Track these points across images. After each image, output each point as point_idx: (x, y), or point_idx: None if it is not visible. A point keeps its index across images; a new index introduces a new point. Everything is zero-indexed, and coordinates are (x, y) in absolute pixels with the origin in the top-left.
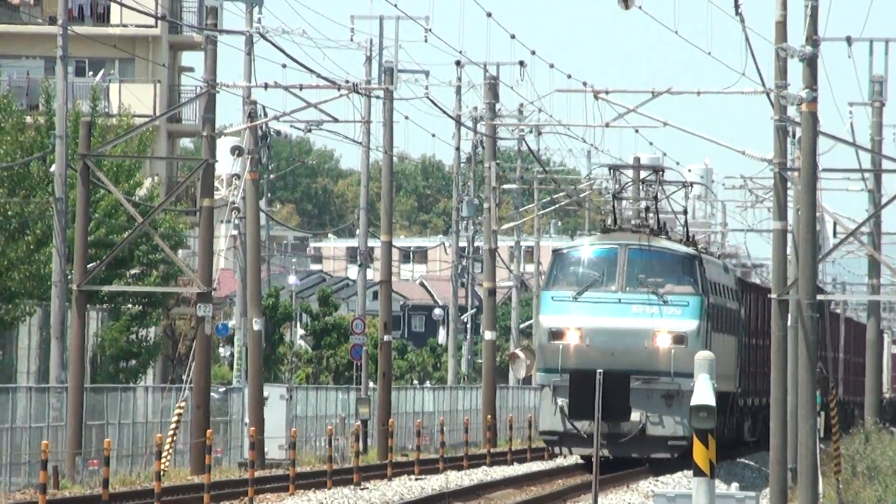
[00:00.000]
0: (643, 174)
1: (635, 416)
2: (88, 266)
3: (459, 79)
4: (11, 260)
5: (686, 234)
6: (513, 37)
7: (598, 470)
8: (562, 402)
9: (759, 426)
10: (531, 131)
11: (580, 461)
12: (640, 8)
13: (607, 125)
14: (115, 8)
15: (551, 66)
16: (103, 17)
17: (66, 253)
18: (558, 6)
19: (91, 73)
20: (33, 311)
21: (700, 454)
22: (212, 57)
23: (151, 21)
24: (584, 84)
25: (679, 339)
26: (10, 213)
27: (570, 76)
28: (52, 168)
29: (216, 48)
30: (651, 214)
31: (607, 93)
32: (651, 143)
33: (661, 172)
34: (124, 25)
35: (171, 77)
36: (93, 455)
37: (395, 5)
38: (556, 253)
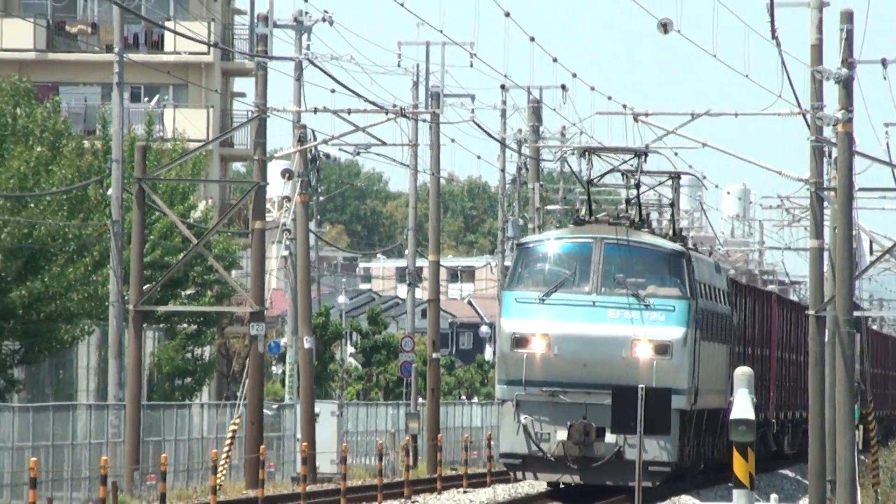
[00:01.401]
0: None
1: (611, 438)
2: (145, 287)
3: (504, 102)
4: (70, 281)
5: (673, 228)
6: (555, 60)
7: (639, 496)
8: (525, 419)
9: (756, 446)
10: (573, 153)
11: (547, 488)
12: (678, 32)
13: (647, 147)
14: (168, 36)
15: (592, 88)
16: (158, 45)
17: (122, 274)
18: (599, 30)
19: (146, 98)
20: (91, 331)
21: (740, 467)
22: (262, 82)
23: (204, 48)
24: (625, 106)
25: (662, 348)
26: (68, 235)
27: (610, 98)
28: (109, 191)
29: (267, 74)
30: (633, 205)
31: (647, 115)
32: (690, 166)
33: (643, 157)
34: (178, 53)
35: (223, 102)
36: (150, 470)
37: (441, 31)
38: (521, 247)
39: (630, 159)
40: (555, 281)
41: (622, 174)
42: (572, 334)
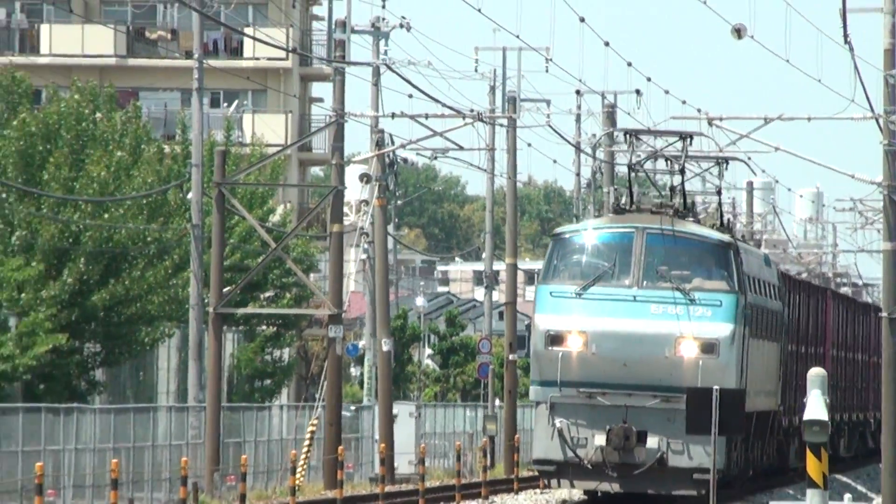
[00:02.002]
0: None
1: (653, 442)
2: (224, 290)
3: (579, 107)
4: (151, 284)
5: (721, 218)
6: (629, 64)
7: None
8: (561, 423)
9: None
10: (648, 158)
11: (583, 497)
12: (751, 37)
13: (721, 151)
14: (248, 42)
15: (666, 92)
16: (237, 51)
17: (202, 277)
18: (674, 35)
19: (225, 104)
20: (172, 334)
21: (813, 466)
22: (340, 88)
23: (283, 54)
24: (699, 111)
25: (708, 347)
26: (149, 239)
27: (684, 102)
28: (189, 196)
29: (344, 79)
30: (677, 193)
31: (721, 119)
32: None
33: (688, 139)
34: (256, 58)
35: (301, 107)
36: (230, 471)
37: (518, 36)
38: (557, 238)
39: (674, 142)
40: (593, 274)
41: (666, 159)
42: (611, 331)
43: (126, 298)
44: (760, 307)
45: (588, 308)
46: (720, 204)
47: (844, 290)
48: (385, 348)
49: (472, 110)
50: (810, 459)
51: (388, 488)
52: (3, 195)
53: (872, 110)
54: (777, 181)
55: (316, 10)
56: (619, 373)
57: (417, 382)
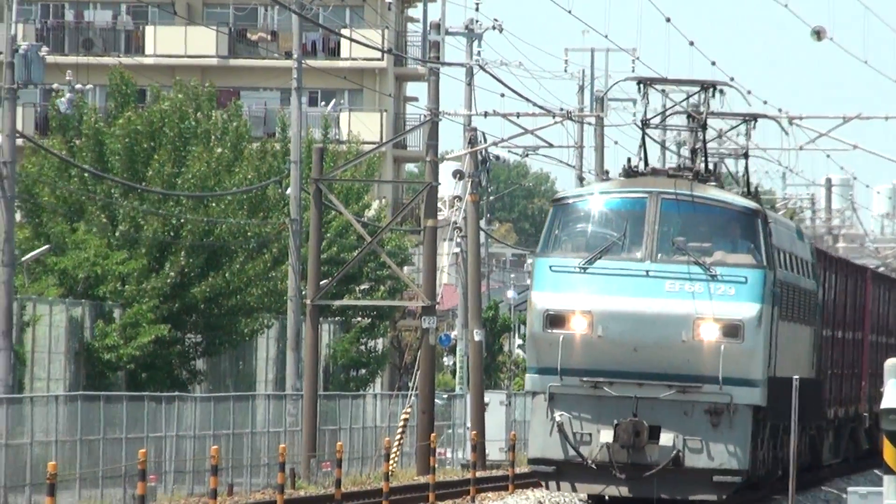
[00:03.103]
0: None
1: (667, 439)
2: (321, 282)
3: (664, 106)
4: (250, 277)
5: (747, 185)
6: (713, 63)
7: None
8: (561, 416)
9: (844, 445)
10: (730, 154)
11: (587, 502)
12: (831, 39)
13: (801, 148)
14: (345, 42)
15: (748, 92)
16: (334, 52)
17: (300, 270)
18: (756, 35)
19: (323, 103)
20: (271, 325)
21: (890, 454)
22: (434, 87)
23: (378, 55)
24: (780, 110)
25: (732, 329)
26: (249, 233)
27: (766, 102)
28: (288, 191)
29: (439, 79)
30: (699, 154)
31: (801, 118)
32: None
33: (710, 91)
34: (353, 59)
35: (396, 106)
36: (326, 457)
37: (606, 37)
38: (558, 203)
39: (695, 93)
40: (599, 245)
41: (687, 116)
42: (620, 311)
43: (226, 291)
44: (792, 285)
45: (593, 284)
46: (747, 168)
47: None
48: (476, 338)
49: (561, 109)
50: (887, 447)
51: (480, 474)
52: (110, 190)
53: None
54: (855, 178)
55: (411, 12)
56: (628, 359)
57: (508, 372)
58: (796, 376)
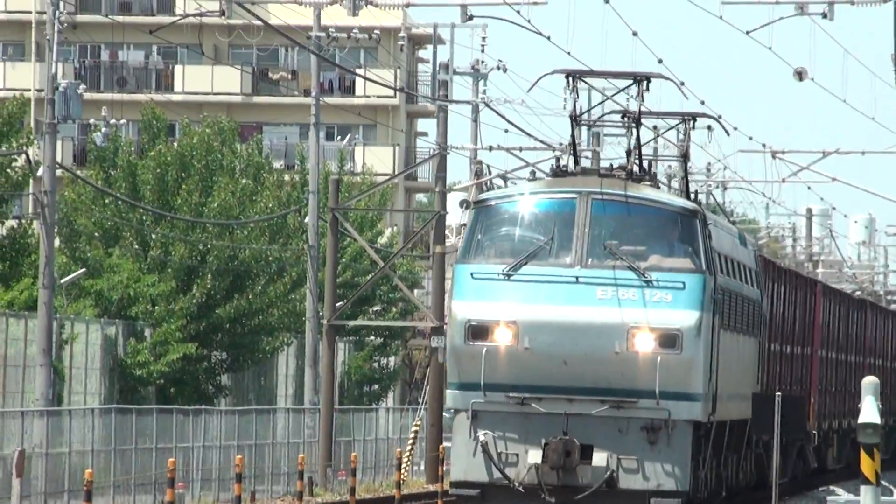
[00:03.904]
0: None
1: (600, 459)
2: (337, 304)
3: (656, 141)
4: (271, 298)
5: (686, 187)
6: (703, 103)
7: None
8: (485, 436)
9: (790, 463)
10: (718, 186)
11: None
12: (812, 80)
13: (783, 181)
14: (360, 81)
15: (735, 128)
16: (350, 90)
17: (317, 292)
18: (742, 75)
19: (339, 137)
20: (290, 343)
21: (867, 466)
22: (443, 123)
23: (391, 93)
24: (763, 145)
25: (669, 339)
26: (270, 258)
27: (751, 138)
28: (306, 219)
29: (447, 115)
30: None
31: (783, 153)
32: (822, 199)
33: (644, 83)
34: (368, 97)
35: (407, 140)
36: (341, 466)
37: (605, 78)
38: (480, 206)
39: (628, 86)
40: (525, 250)
41: (623, 116)
42: (548, 321)
43: (249, 311)
44: (734, 293)
45: (519, 293)
46: (686, 171)
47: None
48: None
49: (561, 143)
50: (864, 459)
51: None
52: (142, 218)
53: None
54: (834, 208)
55: (422, 53)
56: (557, 373)
57: None
58: (778, 392)
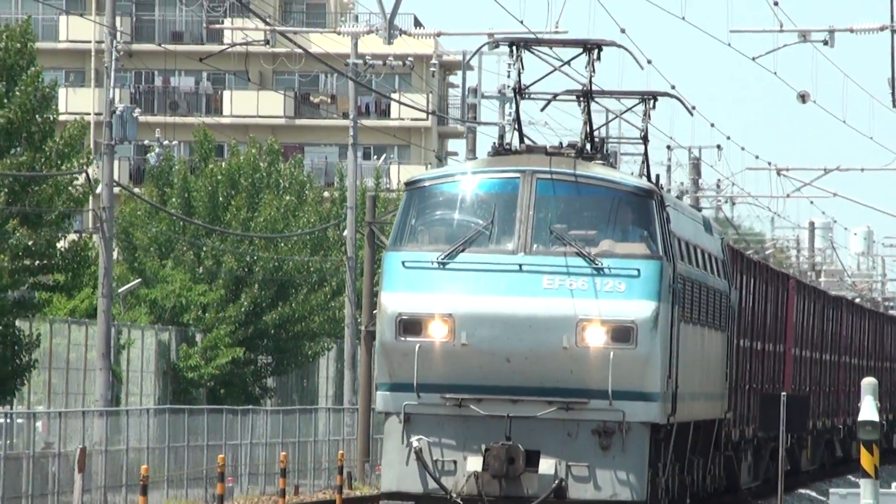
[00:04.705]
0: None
1: (547, 467)
2: (374, 311)
3: (669, 160)
4: (313, 306)
5: (647, 170)
6: (712, 125)
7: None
8: (419, 442)
9: (763, 465)
10: (727, 202)
11: None
12: (814, 102)
13: (788, 196)
14: (394, 105)
15: (742, 148)
16: (385, 113)
17: (355, 301)
18: (750, 98)
19: (375, 156)
20: (331, 348)
21: (867, 460)
22: (472, 143)
23: (424, 115)
24: (769, 163)
25: (623, 333)
26: (311, 269)
27: (757, 157)
28: (345, 233)
29: (476, 136)
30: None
31: (787, 170)
32: (823, 213)
33: (595, 52)
34: (402, 119)
35: (439, 159)
36: (378, 462)
37: (619, 101)
38: (413, 187)
39: (577, 56)
40: (462, 235)
41: (578, 99)
42: (488, 314)
43: (292, 318)
44: (697, 282)
45: (455, 283)
46: (646, 153)
47: (893, 312)
48: None
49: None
50: (864, 454)
51: None
52: (194, 231)
53: None
54: (835, 221)
55: (452, 78)
56: (499, 371)
57: None
58: (784, 393)
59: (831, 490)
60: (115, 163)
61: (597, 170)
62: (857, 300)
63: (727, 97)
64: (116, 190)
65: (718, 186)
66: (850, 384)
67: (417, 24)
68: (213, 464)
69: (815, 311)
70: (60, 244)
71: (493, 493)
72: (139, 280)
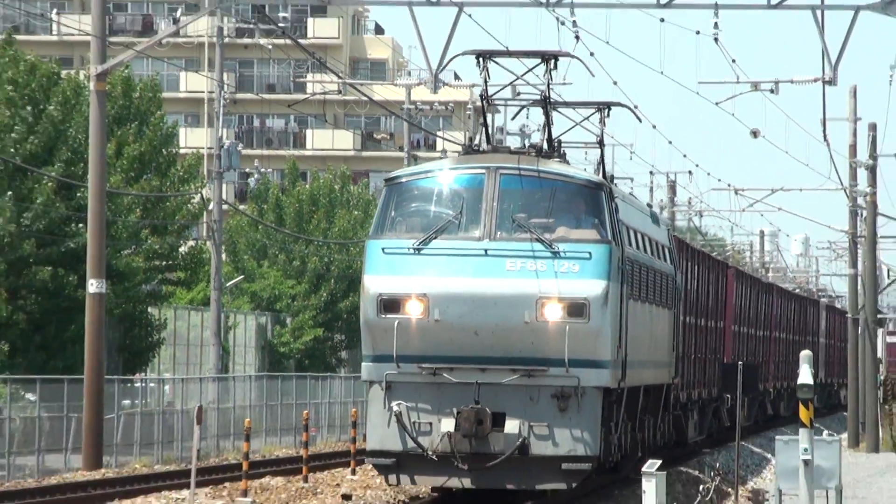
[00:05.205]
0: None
1: (512, 427)
2: None
3: (652, 182)
4: None
5: (603, 173)
6: (685, 156)
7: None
8: (399, 406)
9: (707, 422)
10: (696, 214)
11: (433, 494)
12: (764, 137)
13: (743, 210)
14: (439, 140)
15: (708, 173)
16: (432, 146)
17: None
18: (713, 134)
19: None
20: None
21: (804, 414)
22: None
23: (460, 148)
24: (729, 184)
25: (577, 308)
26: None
27: (719, 180)
28: None
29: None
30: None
31: (743, 190)
32: (771, 223)
33: (552, 62)
34: (444, 151)
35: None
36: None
37: (612, 136)
38: (391, 183)
39: (536, 65)
40: (435, 225)
41: (543, 103)
42: (458, 293)
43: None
44: (644, 265)
45: (429, 266)
46: (602, 157)
47: (823, 300)
48: None
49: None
50: (802, 409)
51: None
52: (285, 239)
53: (841, 184)
54: (780, 230)
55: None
56: (469, 344)
57: None
58: (740, 362)
59: (777, 437)
60: (223, 186)
61: (553, 166)
62: (797, 290)
63: (697, 133)
64: (224, 207)
65: (690, 203)
66: (779, 355)
67: (457, 77)
68: (300, 418)
69: (751, 295)
70: (182, 249)
71: (464, 451)
72: (242, 277)
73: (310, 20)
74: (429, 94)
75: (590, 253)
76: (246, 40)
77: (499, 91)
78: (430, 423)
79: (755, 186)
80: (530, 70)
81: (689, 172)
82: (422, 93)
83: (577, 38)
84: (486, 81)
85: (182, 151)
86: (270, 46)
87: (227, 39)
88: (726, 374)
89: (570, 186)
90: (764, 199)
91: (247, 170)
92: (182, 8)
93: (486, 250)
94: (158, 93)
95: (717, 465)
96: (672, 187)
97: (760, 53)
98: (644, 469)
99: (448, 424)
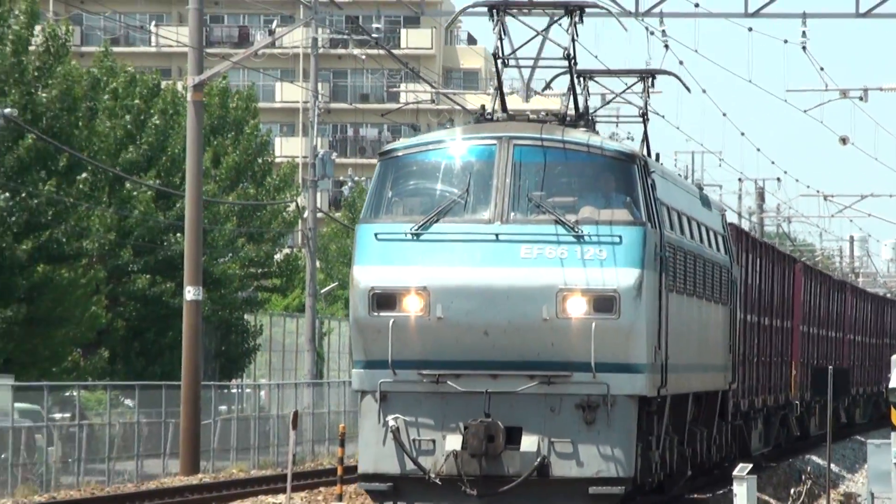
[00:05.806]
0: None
1: (529, 444)
2: None
3: (740, 189)
4: None
5: (647, 149)
6: (773, 163)
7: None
8: (395, 421)
9: (773, 432)
10: (786, 220)
11: None
12: (853, 144)
13: (832, 216)
14: None
15: (797, 180)
16: None
17: None
18: (802, 142)
19: None
20: None
21: None
22: None
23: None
24: (817, 191)
25: (605, 303)
26: None
27: (808, 186)
28: None
29: None
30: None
31: (832, 196)
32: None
33: (576, 14)
34: None
35: None
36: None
37: (702, 144)
38: (386, 157)
39: (558, 19)
40: (436, 205)
41: (569, 64)
42: (464, 286)
43: None
44: (690, 253)
45: (430, 254)
46: (646, 132)
47: None
48: None
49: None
50: (893, 413)
51: None
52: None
53: None
54: (870, 235)
55: None
56: (478, 345)
57: None
58: (831, 366)
59: (868, 441)
60: (318, 194)
61: (577, 135)
62: (888, 295)
63: (785, 140)
64: (319, 215)
65: (778, 209)
66: (854, 358)
67: (547, 86)
68: None
69: (822, 293)
70: (277, 256)
71: (472, 473)
72: (336, 283)
73: (403, 31)
74: (521, 102)
75: (620, 237)
76: (340, 51)
77: (519, 48)
78: (433, 441)
79: (844, 192)
80: (555, 22)
81: (778, 179)
82: (514, 101)
83: (667, 46)
84: (500, 38)
85: (277, 160)
86: (364, 57)
87: (321, 50)
88: (816, 378)
89: (597, 159)
90: (853, 204)
91: (341, 178)
92: (277, 20)
93: (497, 235)
94: (254, 103)
95: (809, 468)
96: (761, 194)
97: (849, 61)
98: (735, 473)
99: (454, 442)
